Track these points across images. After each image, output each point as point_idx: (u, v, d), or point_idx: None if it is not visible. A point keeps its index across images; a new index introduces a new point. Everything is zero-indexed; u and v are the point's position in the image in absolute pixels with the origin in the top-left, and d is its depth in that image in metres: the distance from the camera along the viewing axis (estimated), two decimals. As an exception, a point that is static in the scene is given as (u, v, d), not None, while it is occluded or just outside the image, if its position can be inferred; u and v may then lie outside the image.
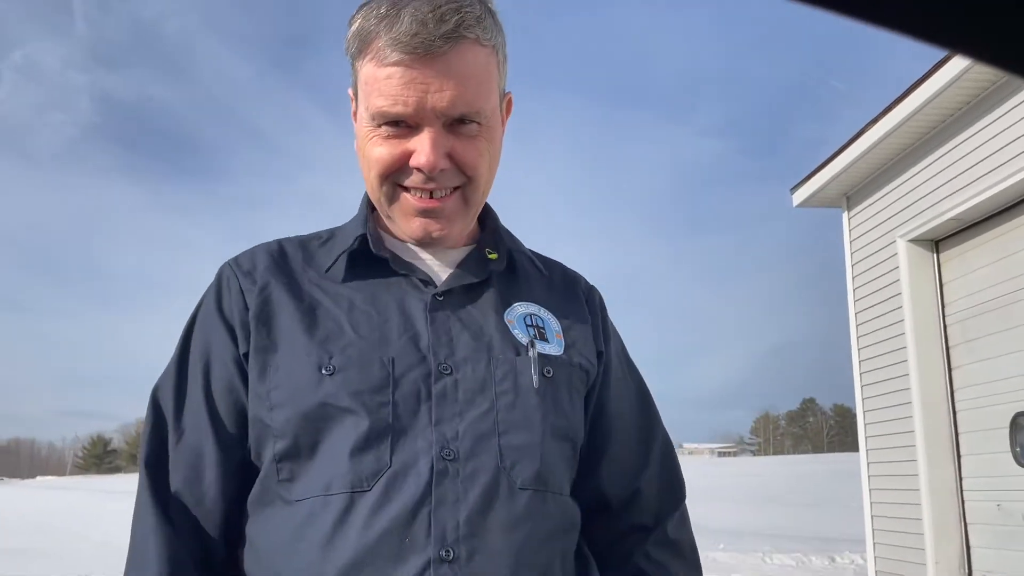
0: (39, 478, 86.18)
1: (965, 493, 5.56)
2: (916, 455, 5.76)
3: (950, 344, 5.76)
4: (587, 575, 1.04)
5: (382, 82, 0.93)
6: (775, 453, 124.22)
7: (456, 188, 0.98)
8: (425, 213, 0.98)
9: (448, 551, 0.87)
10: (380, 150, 0.96)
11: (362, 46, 0.95)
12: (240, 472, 0.98)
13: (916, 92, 5.42)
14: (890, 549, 6.23)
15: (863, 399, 6.64)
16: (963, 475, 5.59)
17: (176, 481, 0.97)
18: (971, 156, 5.29)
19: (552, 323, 1.04)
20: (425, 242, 1.02)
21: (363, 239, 1.01)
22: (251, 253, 1.05)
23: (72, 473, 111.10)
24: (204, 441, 0.97)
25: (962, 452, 5.61)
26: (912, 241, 5.97)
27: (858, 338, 6.72)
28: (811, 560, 11.75)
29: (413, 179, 0.96)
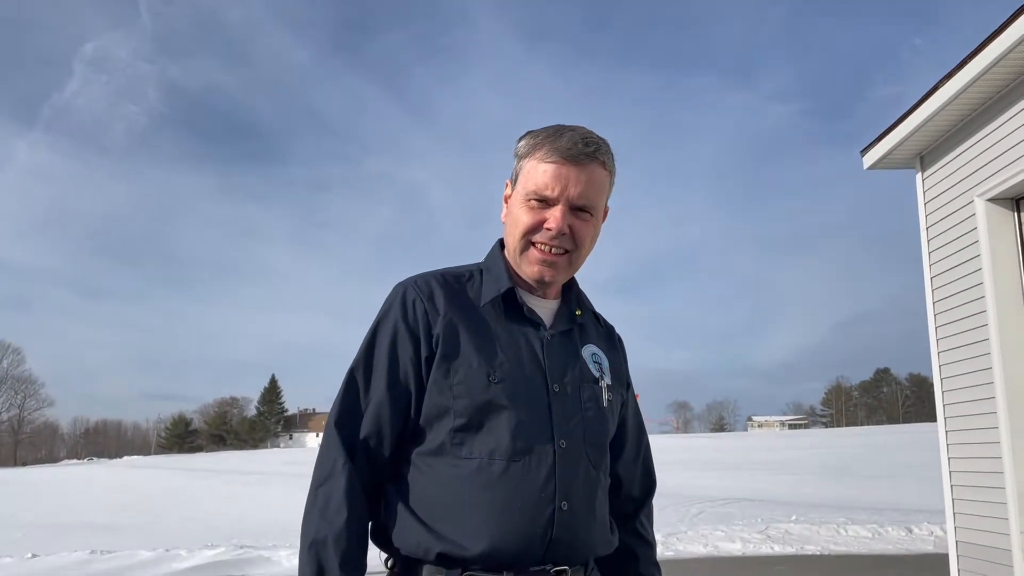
0: (125, 457, 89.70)
1: (1051, 461, 5.35)
2: (998, 422, 5.56)
3: (1033, 306, 5.53)
4: (613, 526, 1.58)
5: (540, 173, 1.47)
6: (848, 424, 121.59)
7: (566, 252, 1.49)
8: (544, 263, 1.50)
9: (565, 503, 1.40)
10: (526, 218, 1.48)
11: (530, 150, 1.49)
12: (399, 434, 1.45)
13: (992, 44, 5.17)
14: (971, 519, 6.05)
15: (940, 365, 6.43)
16: (1049, 442, 5.38)
17: (364, 433, 1.44)
18: (1054, 109, 5.04)
19: (605, 360, 1.60)
20: (539, 282, 1.52)
21: (511, 290, 1.51)
22: (426, 280, 1.52)
23: (156, 452, 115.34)
24: (384, 410, 1.44)
25: (1047, 418, 5.39)
26: (991, 200, 5.73)
27: (934, 303, 6.50)
28: (887, 531, 11.50)
29: (542, 236, 1.48)
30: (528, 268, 1.50)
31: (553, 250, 1.47)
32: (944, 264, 6.35)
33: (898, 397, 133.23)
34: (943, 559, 6.54)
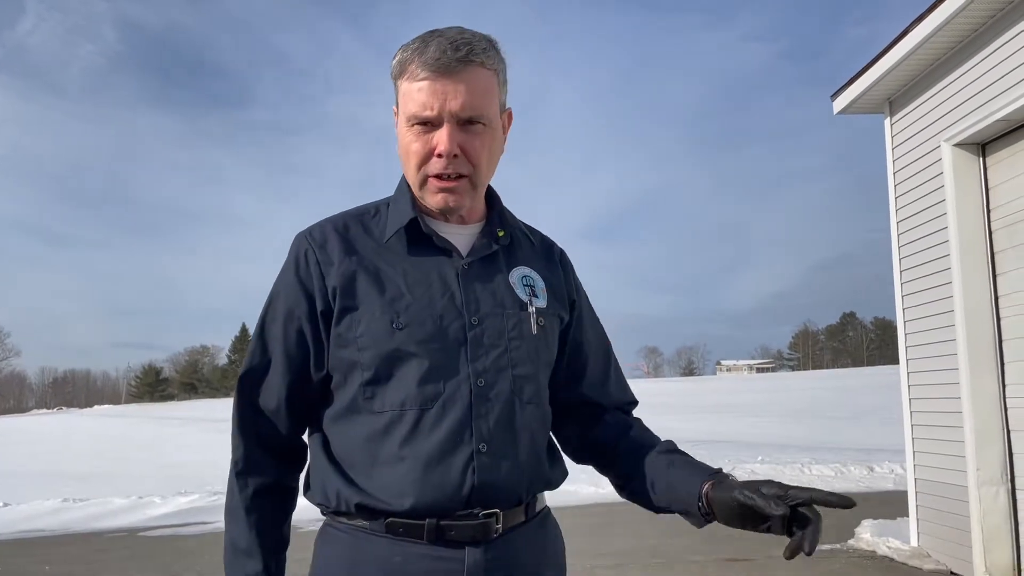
0: (96, 407, 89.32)
1: (1008, 400, 5.51)
2: (958, 363, 5.70)
3: (995, 250, 5.63)
4: (557, 454, 1.50)
5: (415, 93, 1.32)
6: (814, 368, 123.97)
7: (465, 176, 1.35)
8: (444, 190, 1.36)
9: (483, 445, 1.32)
10: (415, 146, 1.34)
11: (401, 70, 1.35)
12: (300, 391, 1.39)
13: (964, -13, 5.16)
14: (930, 457, 6.24)
15: (904, 308, 6.55)
16: (1006, 382, 5.53)
17: (267, 398, 1.40)
18: (1021, 53, 5.06)
19: (539, 281, 1.46)
20: (445, 211, 1.38)
21: (415, 221, 1.38)
22: (321, 228, 1.41)
23: (127, 402, 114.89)
24: (282, 373, 1.39)
25: (1006, 359, 5.54)
26: (957, 145, 5.78)
27: (900, 248, 6.59)
28: (850, 470, 11.82)
29: (435, 166, 1.34)
30: (431, 199, 1.37)
31: (449, 176, 1.34)
32: (910, 209, 6.43)
33: (863, 341, 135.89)
34: (903, 495, 6.75)
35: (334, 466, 1.35)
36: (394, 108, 1.41)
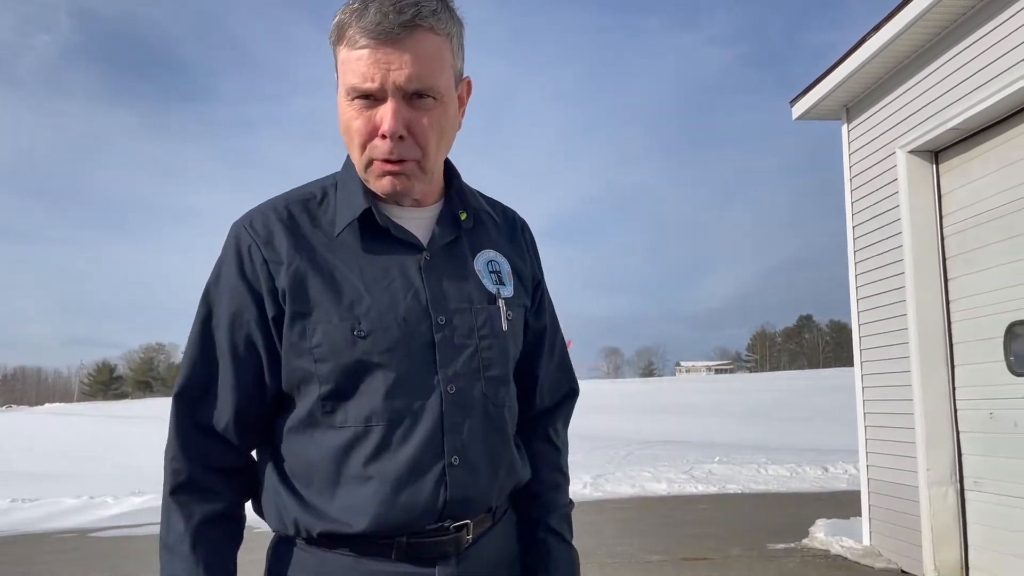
0: (47, 405, 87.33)
1: (958, 402, 5.64)
2: (910, 366, 5.82)
3: (947, 255, 5.76)
4: (522, 449, 1.38)
5: (354, 62, 1.14)
6: (771, 369, 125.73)
7: (412, 159, 1.18)
8: (390, 173, 1.18)
9: (456, 458, 1.20)
10: (357, 123, 1.17)
11: (339, 35, 1.16)
12: (251, 406, 1.23)
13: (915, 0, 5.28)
14: (882, 458, 6.37)
15: (859, 312, 6.68)
16: (956, 385, 5.66)
17: (210, 414, 1.22)
18: (973, 63, 5.19)
19: (505, 265, 1.33)
20: (393, 196, 1.22)
21: (368, 211, 1.22)
22: (263, 218, 1.23)
23: (80, 400, 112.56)
24: (228, 387, 1.22)
25: (956, 362, 5.67)
26: (912, 152, 5.90)
27: (855, 252, 6.72)
28: (805, 470, 12.02)
29: (379, 149, 1.17)
30: (377, 184, 1.20)
31: (395, 160, 1.18)
32: (865, 214, 6.55)
33: (819, 343, 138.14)
34: (856, 495, 6.88)
35: (287, 487, 1.22)
36: (336, 77, 1.21)
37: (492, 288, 1.29)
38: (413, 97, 1.16)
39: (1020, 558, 5.01)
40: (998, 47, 4.95)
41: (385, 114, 1.15)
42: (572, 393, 1.50)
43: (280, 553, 1.25)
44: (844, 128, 6.87)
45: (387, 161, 1.17)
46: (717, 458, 13.60)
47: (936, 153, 5.87)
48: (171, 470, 1.22)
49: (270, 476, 1.24)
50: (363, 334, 1.17)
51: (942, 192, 5.84)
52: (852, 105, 6.74)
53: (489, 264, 1.31)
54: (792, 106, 7.15)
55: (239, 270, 1.21)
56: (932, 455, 5.64)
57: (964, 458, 5.59)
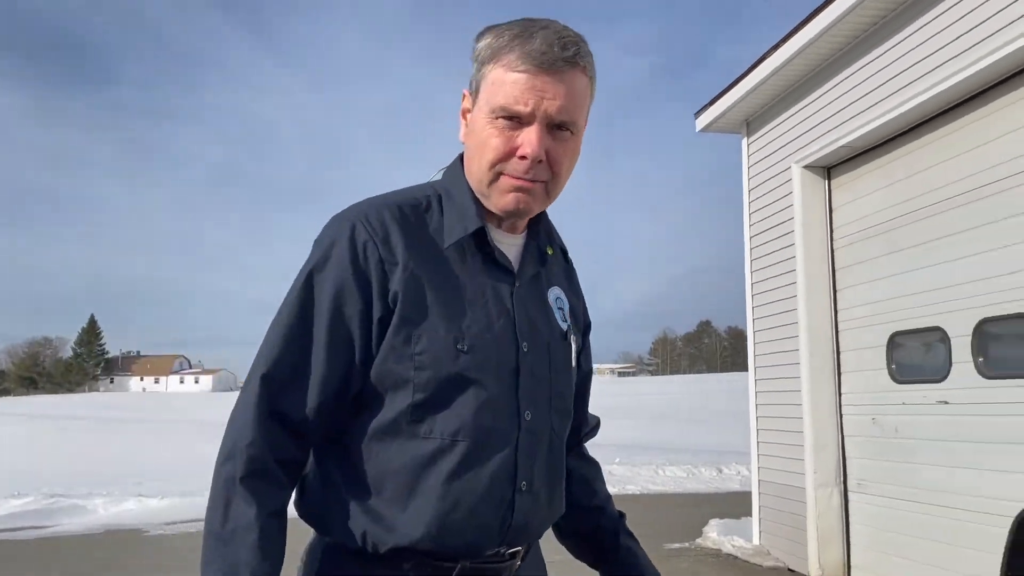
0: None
1: (844, 408, 5.92)
2: (800, 372, 6.08)
3: (836, 267, 6.04)
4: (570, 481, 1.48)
5: (509, 85, 1.17)
6: (672, 373, 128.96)
7: (543, 182, 1.23)
8: (518, 190, 1.22)
9: (524, 484, 1.24)
10: (495, 141, 1.20)
11: (494, 54, 1.20)
12: (335, 403, 1.20)
13: (816, 19, 5.53)
14: (772, 460, 6.62)
15: (754, 319, 6.93)
16: (843, 391, 5.94)
17: (291, 402, 1.18)
18: (864, 85, 5.46)
19: (567, 304, 1.38)
20: (511, 214, 1.25)
21: (482, 231, 1.25)
22: (379, 215, 1.22)
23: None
24: (320, 379, 1.18)
25: (843, 370, 5.95)
26: (807, 167, 6.17)
27: (751, 261, 6.97)
28: (701, 471, 12.39)
29: (515, 167, 1.20)
30: (499, 199, 1.23)
31: (530, 177, 1.22)
32: (761, 226, 6.80)
33: (717, 348, 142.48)
34: (748, 496, 7.12)
35: (355, 493, 1.20)
36: (465, 92, 1.27)
37: (563, 325, 1.34)
38: (555, 128, 1.20)
39: (900, 557, 5.29)
40: (887, 71, 5.23)
41: (530, 137, 1.18)
42: (598, 425, 1.65)
43: (327, 561, 1.23)
44: (744, 142, 7.12)
45: (520, 178, 1.21)
46: (617, 459, 13.86)
47: (828, 169, 6.15)
48: (246, 455, 1.14)
49: (333, 479, 1.22)
50: (465, 348, 1.19)
51: (833, 206, 6.12)
52: (752, 120, 6.99)
53: (557, 301, 1.36)
54: (696, 118, 7.37)
55: (352, 262, 1.19)
56: (818, 458, 5.90)
57: (848, 461, 5.86)
